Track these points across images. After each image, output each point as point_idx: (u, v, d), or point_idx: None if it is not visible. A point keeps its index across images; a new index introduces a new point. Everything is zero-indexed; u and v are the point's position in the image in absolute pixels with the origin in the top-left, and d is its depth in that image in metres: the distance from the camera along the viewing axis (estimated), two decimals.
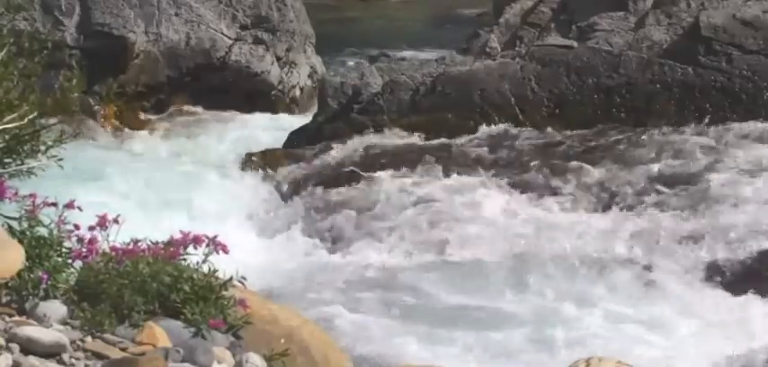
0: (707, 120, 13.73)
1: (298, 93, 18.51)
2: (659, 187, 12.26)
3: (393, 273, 10.64)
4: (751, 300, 9.91)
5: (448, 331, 9.22)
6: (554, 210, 12.07)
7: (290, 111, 17.97)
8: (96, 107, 16.37)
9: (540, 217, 11.97)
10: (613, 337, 9.03)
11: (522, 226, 11.78)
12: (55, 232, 4.31)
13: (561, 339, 9.04)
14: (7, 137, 4.80)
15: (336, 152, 13.89)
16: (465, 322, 9.38)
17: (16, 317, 3.94)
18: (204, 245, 4.34)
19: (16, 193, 4.38)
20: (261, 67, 17.94)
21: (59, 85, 5.45)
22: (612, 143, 13.48)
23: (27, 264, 4.09)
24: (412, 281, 10.34)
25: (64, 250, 4.29)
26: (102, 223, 4.35)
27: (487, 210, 12.13)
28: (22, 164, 4.85)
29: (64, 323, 3.98)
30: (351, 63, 19.84)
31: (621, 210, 11.92)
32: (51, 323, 3.92)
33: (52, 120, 5.12)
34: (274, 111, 17.79)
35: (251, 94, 17.71)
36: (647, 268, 10.56)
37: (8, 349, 3.66)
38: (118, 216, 4.38)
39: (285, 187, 13.33)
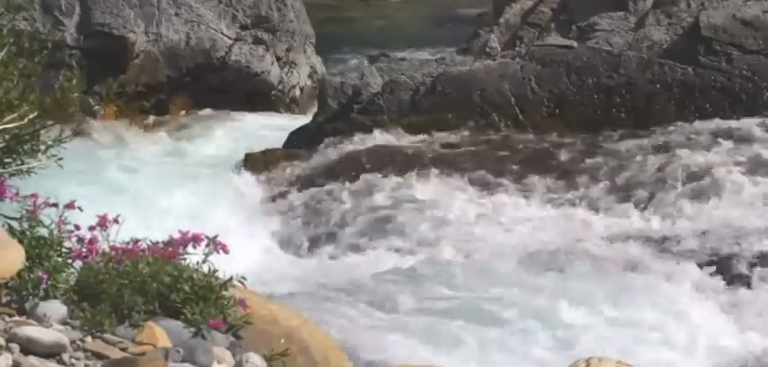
0: (707, 120, 13.73)
1: (298, 93, 18.52)
2: (659, 187, 12.26)
3: (393, 273, 10.63)
4: (752, 300, 9.90)
5: (448, 331, 9.21)
6: (554, 210, 12.07)
7: (290, 111, 17.98)
8: (96, 107, 16.38)
9: (539, 216, 11.98)
10: (613, 337, 9.02)
11: (521, 225, 11.78)
12: (55, 232, 4.31)
13: (561, 339, 9.04)
14: (7, 137, 4.80)
15: (336, 152, 13.89)
16: (465, 322, 9.37)
17: (16, 317, 3.95)
18: (204, 244, 4.34)
19: (17, 193, 4.38)
20: (261, 67, 17.94)
21: (59, 85, 5.45)
22: (612, 143, 13.48)
23: (27, 263, 4.09)
24: (412, 281, 10.33)
25: (64, 250, 4.29)
26: (103, 223, 4.35)
27: (487, 210, 12.13)
28: (23, 163, 4.85)
29: (64, 323, 3.98)
30: (351, 63, 19.86)
31: (621, 209, 11.92)
32: (51, 323, 3.92)
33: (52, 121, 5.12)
34: (274, 110, 17.80)
35: (251, 94, 17.72)
36: (648, 268, 10.55)
37: (8, 349, 3.66)
38: (118, 216, 4.38)
39: (285, 187, 13.33)
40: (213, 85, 17.44)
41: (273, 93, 18.08)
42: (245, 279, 4.35)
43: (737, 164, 12.56)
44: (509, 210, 12.15)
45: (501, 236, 11.54)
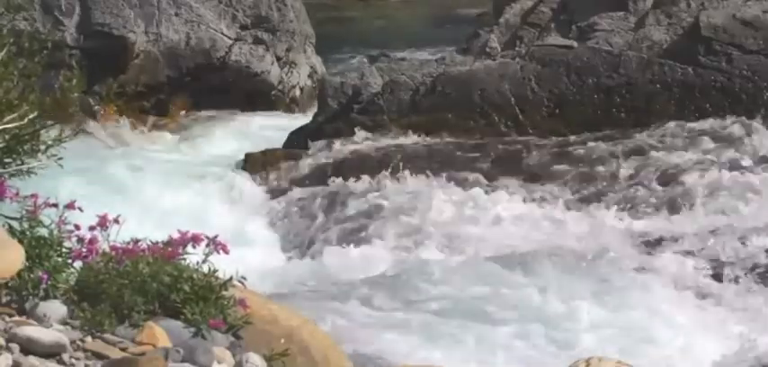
0: (706, 120, 13.74)
1: (298, 93, 18.51)
2: (659, 186, 12.26)
3: (392, 273, 10.64)
4: (753, 301, 9.90)
5: (448, 331, 9.21)
6: (554, 210, 12.07)
7: (290, 111, 17.97)
8: (96, 107, 16.37)
9: (539, 216, 11.98)
10: (613, 337, 9.02)
11: (521, 225, 11.78)
12: (55, 232, 4.31)
13: (561, 339, 9.04)
14: (7, 137, 4.80)
15: (336, 152, 13.89)
16: (465, 322, 9.37)
17: (16, 317, 3.95)
18: (204, 244, 4.34)
19: (17, 193, 4.38)
20: (261, 67, 17.94)
21: (59, 85, 5.45)
22: (612, 142, 13.48)
23: (27, 263, 4.10)
24: (411, 281, 10.33)
25: (64, 250, 4.29)
26: (103, 223, 4.35)
27: (487, 210, 12.13)
28: (23, 163, 4.85)
29: (64, 323, 3.98)
30: (351, 63, 19.86)
31: (622, 209, 11.92)
32: (51, 323, 3.92)
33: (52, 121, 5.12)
34: (274, 111, 17.79)
35: (251, 94, 17.71)
36: (648, 268, 10.55)
37: (8, 349, 3.66)
38: (118, 216, 4.38)
39: (285, 187, 13.33)
40: (213, 85, 17.44)
41: (273, 93, 18.08)
42: (245, 279, 4.35)
43: (737, 162, 12.60)
44: (508, 209, 12.15)
45: (501, 235, 11.54)
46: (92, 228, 4.34)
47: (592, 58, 14.56)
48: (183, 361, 3.80)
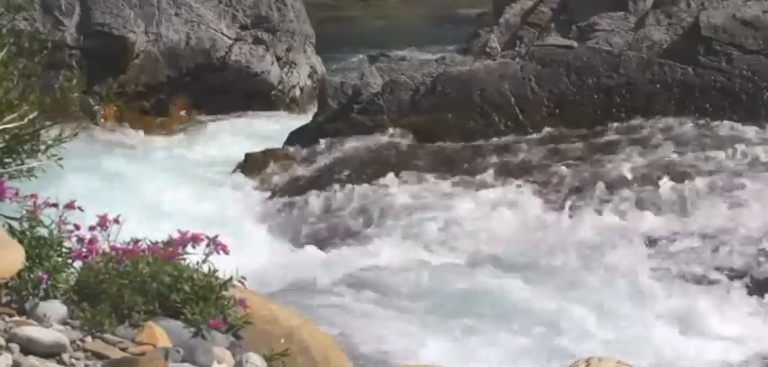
0: (707, 120, 13.74)
1: (298, 93, 18.52)
2: (659, 186, 12.26)
3: (392, 273, 10.64)
4: (753, 301, 9.90)
5: (448, 331, 9.22)
6: (554, 210, 12.07)
7: (290, 111, 17.98)
8: (96, 107, 16.38)
9: (539, 216, 11.98)
10: (613, 337, 9.03)
11: (521, 225, 11.78)
12: (55, 232, 4.31)
13: (561, 338, 9.04)
14: (7, 137, 4.80)
15: (336, 152, 13.90)
16: (465, 321, 9.38)
17: (16, 317, 3.94)
18: (204, 244, 4.34)
19: (16, 193, 4.38)
20: (261, 67, 17.95)
21: (59, 84, 5.46)
22: (612, 143, 13.48)
23: (27, 263, 4.09)
24: (411, 281, 10.34)
25: (64, 250, 4.29)
26: (102, 223, 4.35)
27: (487, 210, 12.13)
28: (23, 164, 4.85)
29: (64, 323, 3.98)
30: (351, 63, 19.86)
31: (622, 209, 11.92)
32: (51, 323, 3.92)
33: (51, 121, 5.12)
34: (274, 111, 17.80)
35: (251, 94, 17.72)
36: (648, 268, 10.55)
37: (8, 349, 3.66)
38: (118, 216, 4.38)
39: (284, 187, 13.34)
40: (213, 85, 17.45)
41: (273, 93, 18.09)
42: (245, 279, 4.35)
43: (737, 164, 12.60)
44: (508, 209, 12.15)
45: (501, 235, 11.54)
46: (92, 228, 4.34)
47: (592, 58, 14.56)
48: (183, 361, 3.80)
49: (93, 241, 4.32)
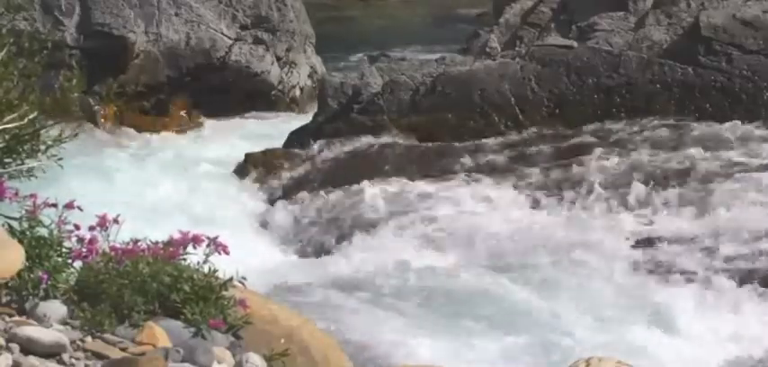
0: (706, 120, 13.74)
1: (298, 93, 18.52)
2: (659, 186, 12.26)
3: (392, 273, 10.64)
4: (754, 302, 9.90)
5: (448, 331, 9.22)
6: (554, 210, 12.07)
7: (290, 111, 17.98)
8: (96, 107, 16.38)
9: (539, 216, 11.98)
10: (613, 337, 9.02)
11: (521, 225, 11.78)
12: (55, 232, 4.31)
13: (561, 338, 9.04)
14: (7, 137, 4.80)
15: (336, 152, 13.90)
16: (465, 321, 9.38)
17: (16, 317, 3.94)
18: (204, 245, 4.34)
19: (16, 193, 4.38)
20: (261, 67, 17.95)
21: (59, 84, 5.46)
22: (612, 143, 13.48)
23: (27, 263, 4.09)
24: (411, 281, 10.34)
25: (64, 250, 4.29)
26: (102, 223, 4.35)
27: (488, 210, 12.13)
28: (23, 164, 4.85)
29: (64, 323, 3.98)
30: (351, 63, 19.87)
31: (622, 209, 11.92)
32: (51, 323, 3.92)
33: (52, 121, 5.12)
34: (274, 111, 17.81)
35: (251, 94, 17.72)
36: (649, 268, 10.55)
37: (8, 349, 3.66)
38: (118, 216, 4.38)
39: (285, 187, 13.34)
40: (213, 85, 17.45)
41: (273, 93, 18.09)
42: (245, 279, 4.35)
43: (739, 163, 12.60)
44: (509, 209, 12.15)
45: (501, 235, 11.54)
46: (91, 228, 4.34)
47: (592, 58, 14.56)
48: (183, 361, 3.80)
49: (92, 241, 4.32)
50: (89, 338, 3.91)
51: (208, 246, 4.33)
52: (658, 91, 14.18)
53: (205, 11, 17.86)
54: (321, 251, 11.69)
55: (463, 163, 13.30)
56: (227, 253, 4.32)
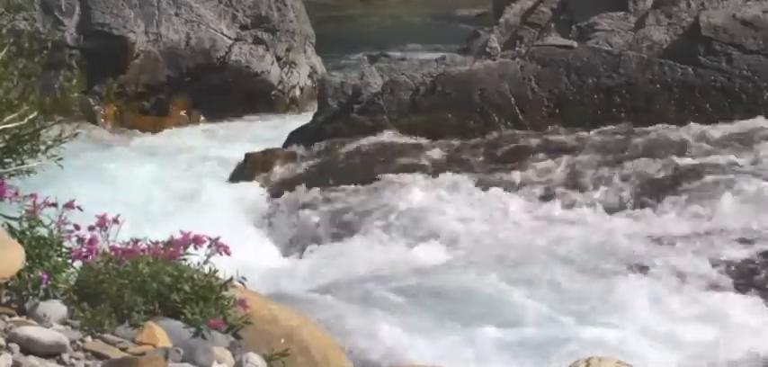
0: (707, 121, 13.75)
1: (298, 93, 18.53)
2: (659, 187, 12.27)
3: (392, 272, 10.64)
4: (754, 302, 9.90)
5: (449, 331, 9.22)
6: (554, 210, 12.07)
7: (290, 111, 17.99)
8: (96, 107, 16.39)
9: (540, 216, 11.98)
10: (614, 338, 9.02)
11: (522, 225, 11.78)
12: (55, 232, 4.31)
13: (561, 338, 9.04)
14: (7, 137, 4.80)
15: (336, 152, 13.90)
16: (466, 322, 9.37)
17: (16, 317, 3.94)
18: (205, 245, 4.34)
19: (16, 193, 4.38)
20: (261, 67, 17.95)
21: (59, 84, 5.46)
22: (612, 143, 13.48)
23: (27, 263, 4.09)
24: (411, 281, 10.34)
25: (64, 250, 4.29)
26: (102, 223, 4.35)
27: (488, 210, 12.13)
28: (23, 164, 4.85)
29: (64, 323, 3.98)
30: (351, 63, 19.87)
31: (621, 209, 11.93)
32: (51, 323, 3.92)
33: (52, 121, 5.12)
34: (274, 111, 17.81)
35: (251, 94, 17.73)
36: (649, 269, 10.55)
37: (8, 349, 3.66)
38: (118, 216, 4.38)
39: (285, 187, 13.33)
40: (213, 85, 17.45)
41: (273, 93, 18.09)
42: (245, 279, 4.35)
43: (739, 164, 12.61)
44: (509, 209, 12.15)
45: (502, 235, 11.54)
46: (91, 228, 4.34)
47: (592, 58, 14.56)
48: (183, 361, 3.80)
49: (92, 241, 4.32)
50: (89, 338, 3.91)
51: (209, 246, 4.33)
52: (658, 91, 14.18)
53: (205, 11, 17.86)
54: (321, 251, 11.68)
55: (463, 162, 13.30)
56: (228, 253, 4.32)
